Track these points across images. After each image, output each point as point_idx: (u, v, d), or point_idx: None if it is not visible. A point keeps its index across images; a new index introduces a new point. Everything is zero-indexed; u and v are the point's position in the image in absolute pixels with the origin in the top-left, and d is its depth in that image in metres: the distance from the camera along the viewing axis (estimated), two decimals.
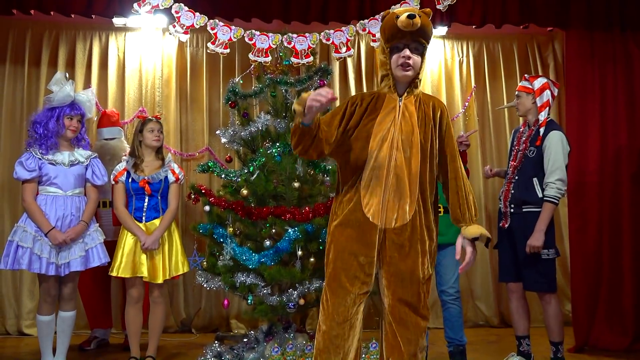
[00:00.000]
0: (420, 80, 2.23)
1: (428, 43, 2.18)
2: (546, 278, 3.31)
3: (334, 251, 2.19)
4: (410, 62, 2.13)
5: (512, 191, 3.37)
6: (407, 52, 2.13)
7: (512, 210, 3.36)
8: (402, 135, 2.15)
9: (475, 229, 2.18)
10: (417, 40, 2.13)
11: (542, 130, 3.34)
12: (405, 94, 2.20)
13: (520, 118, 3.64)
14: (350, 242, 2.15)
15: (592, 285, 4.03)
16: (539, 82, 3.43)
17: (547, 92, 3.40)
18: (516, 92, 3.52)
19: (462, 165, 2.25)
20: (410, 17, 2.07)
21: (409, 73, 2.15)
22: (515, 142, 3.47)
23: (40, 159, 3.27)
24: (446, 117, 2.24)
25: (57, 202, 3.28)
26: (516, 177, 3.37)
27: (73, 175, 3.33)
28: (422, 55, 2.17)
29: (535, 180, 3.31)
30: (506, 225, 3.38)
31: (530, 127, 3.43)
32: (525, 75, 3.59)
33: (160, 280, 3.39)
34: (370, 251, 2.14)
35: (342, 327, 2.14)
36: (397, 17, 2.11)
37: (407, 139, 2.15)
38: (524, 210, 3.32)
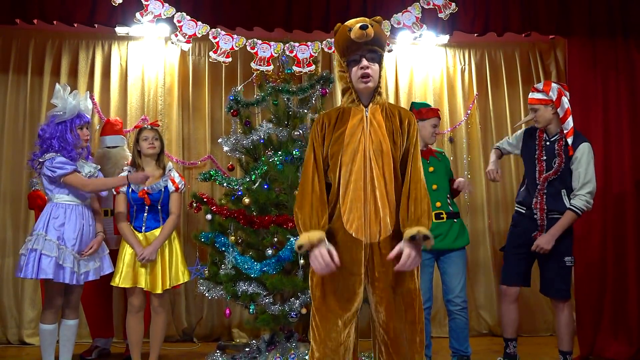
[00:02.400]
0: (381, 89, 2.22)
1: (383, 51, 2.19)
2: (567, 285, 3.32)
3: (319, 275, 2.12)
4: (369, 71, 2.13)
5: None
6: (364, 62, 2.12)
7: (535, 216, 3.33)
8: (373, 145, 2.13)
9: (414, 229, 2.04)
10: (372, 49, 2.13)
11: (569, 140, 3.27)
12: (371, 104, 2.19)
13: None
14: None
15: (597, 294, 4.00)
16: (554, 92, 3.33)
17: (565, 99, 3.32)
18: (531, 106, 3.40)
19: (422, 173, 2.19)
20: (363, 27, 2.07)
21: (370, 84, 2.15)
22: (538, 151, 3.37)
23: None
24: (413, 126, 2.20)
25: (76, 211, 3.29)
26: (545, 189, 3.33)
27: None
28: (379, 63, 2.17)
29: (563, 192, 3.30)
30: (543, 233, 3.30)
31: (551, 136, 3.36)
32: (535, 86, 3.48)
33: (159, 290, 3.39)
34: (357, 269, 2.09)
35: (337, 352, 2.09)
36: (350, 29, 2.10)
37: (378, 149, 2.13)
38: (549, 217, 3.30)
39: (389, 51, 4.03)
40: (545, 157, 3.35)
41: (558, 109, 3.32)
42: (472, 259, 4.81)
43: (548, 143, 3.37)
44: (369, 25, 2.09)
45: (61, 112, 3.32)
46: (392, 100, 4.88)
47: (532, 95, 3.43)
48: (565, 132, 3.29)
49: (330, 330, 2.09)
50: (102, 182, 3.37)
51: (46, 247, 3.16)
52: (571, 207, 3.24)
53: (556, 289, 3.31)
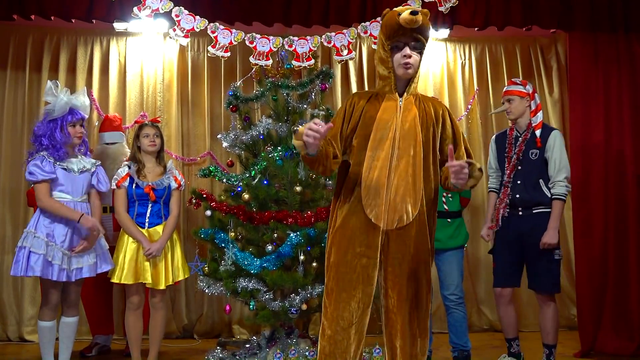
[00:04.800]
0: (417, 79, 2.22)
1: (426, 42, 2.18)
2: (556, 279, 3.34)
3: (336, 254, 2.16)
4: (411, 60, 2.13)
5: (517, 195, 3.34)
6: (407, 50, 2.13)
7: (520, 213, 3.35)
8: (404, 133, 2.13)
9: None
10: (417, 38, 2.13)
11: (538, 132, 3.36)
12: (405, 94, 2.19)
13: (509, 122, 3.60)
14: (352, 245, 2.12)
15: (598, 290, 3.99)
16: (530, 87, 3.47)
17: (537, 96, 3.48)
18: (508, 97, 3.47)
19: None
20: (413, 13, 2.08)
21: (410, 71, 2.16)
22: (508, 149, 3.45)
23: (53, 164, 3.25)
24: (448, 115, 2.23)
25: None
26: (518, 182, 3.35)
27: (82, 182, 3.32)
28: (420, 54, 2.17)
29: (541, 181, 3.33)
30: (496, 227, 3.39)
31: (521, 131, 3.42)
32: (513, 79, 3.57)
33: (162, 286, 3.39)
34: (373, 253, 2.11)
35: (348, 332, 2.11)
36: (399, 14, 2.10)
37: (409, 138, 2.13)
38: (534, 212, 3.32)
39: None
40: (512, 153, 3.41)
41: (532, 102, 3.43)
42: (473, 256, 4.80)
43: (520, 138, 3.42)
44: (419, 13, 2.09)
45: (51, 110, 3.30)
46: None
47: (509, 87, 3.51)
48: (533, 125, 3.39)
49: (343, 310, 2.10)
50: (57, 208, 3.18)
51: (35, 244, 3.15)
52: (556, 196, 3.29)
53: (547, 284, 3.32)
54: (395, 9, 2.17)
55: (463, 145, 2.21)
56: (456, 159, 2.09)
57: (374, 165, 2.11)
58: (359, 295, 2.11)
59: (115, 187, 3.47)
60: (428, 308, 2.18)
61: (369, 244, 2.10)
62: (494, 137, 3.66)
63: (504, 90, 3.53)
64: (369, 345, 3.22)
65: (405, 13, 2.08)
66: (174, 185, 3.50)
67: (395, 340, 2.13)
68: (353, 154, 2.16)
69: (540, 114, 3.42)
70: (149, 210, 3.45)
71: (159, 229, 3.44)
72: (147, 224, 3.44)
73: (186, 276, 3.54)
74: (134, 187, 3.44)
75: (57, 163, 3.26)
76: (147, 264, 3.36)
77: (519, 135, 3.43)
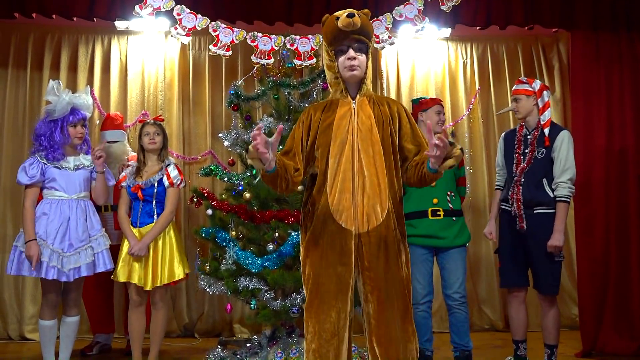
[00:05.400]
0: (368, 80, 2.22)
1: (370, 42, 2.19)
2: (557, 281, 3.33)
3: (310, 266, 2.14)
4: (356, 62, 2.14)
5: (520, 194, 3.34)
6: (351, 52, 2.13)
7: (521, 212, 3.33)
8: (362, 135, 2.13)
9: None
10: (359, 39, 2.14)
11: (546, 131, 3.33)
12: (358, 96, 2.19)
13: (518, 120, 3.60)
14: (325, 254, 2.10)
15: (600, 289, 3.98)
16: (537, 84, 3.44)
17: (545, 93, 3.43)
18: (514, 96, 3.47)
19: None
20: (350, 16, 2.08)
21: (356, 73, 2.15)
22: (517, 146, 3.43)
23: (45, 163, 3.25)
24: (404, 112, 2.21)
25: (62, 205, 3.25)
26: (522, 180, 3.34)
27: (78, 179, 3.31)
28: (366, 54, 2.17)
29: (544, 181, 3.31)
30: (524, 227, 3.32)
31: (530, 129, 3.41)
32: (520, 78, 3.57)
33: (148, 287, 3.34)
34: (347, 259, 2.08)
35: (332, 343, 2.09)
36: (337, 18, 2.11)
37: (367, 138, 2.12)
38: (535, 212, 3.30)
39: (391, 44, 3.99)
40: (522, 150, 3.40)
41: (538, 100, 3.40)
42: (474, 255, 4.80)
43: (529, 137, 3.40)
44: (356, 15, 2.10)
45: (52, 110, 3.29)
46: (393, 95, 4.86)
47: (516, 86, 3.51)
48: (542, 123, 3.37)
49: (324, 322, 2.09)
50: (26, 220, 3.19)
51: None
52: (560, 198, 3.26)
53: (549, 285, 3.32)
54: (334, 13, 2.17)
55: (423, 140, 2.19)
56: (419, 152, 2.13)
57: (338, 170, 2.10)
58: (338, 305, 2.09)
59: (119, 186, 3.48)
60: (410, 310, 2.13)
61: (342, 250, 2.08)
62: (503, 134, 3.63)
63: (512, 90, 3.53)
64: (363, 346, 3.21)
65: (342, 17, 2.09)
66: (166, 183, 3.43)
67: (378, 345, 2.10)
68: (318, 164, 2.15)
69: (548, 112, 3.38)
70: (139, 210, 3.44)
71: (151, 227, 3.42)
72: (138, 223, 3.42)
73: (180, 277, 3.45)
74: (126, 186, 3.44)
75: (51, 163, 3.25)
76: (136, 263, 3.33)
77: (527, 133, 3.41)
